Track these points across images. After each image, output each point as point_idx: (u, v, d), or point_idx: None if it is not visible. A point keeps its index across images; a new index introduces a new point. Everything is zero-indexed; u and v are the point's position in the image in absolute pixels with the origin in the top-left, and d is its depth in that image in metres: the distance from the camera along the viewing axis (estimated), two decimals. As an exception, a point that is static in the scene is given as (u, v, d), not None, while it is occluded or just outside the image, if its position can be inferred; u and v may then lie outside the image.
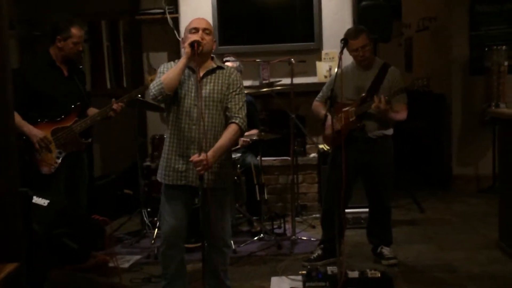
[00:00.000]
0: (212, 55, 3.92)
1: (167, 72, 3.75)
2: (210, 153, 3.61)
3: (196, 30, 3.78)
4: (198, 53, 3.67)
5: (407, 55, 10.16)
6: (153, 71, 5.67)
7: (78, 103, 4.83)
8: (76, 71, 4.99)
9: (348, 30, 4.99)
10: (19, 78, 4.62)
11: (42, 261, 3.17)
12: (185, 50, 3.70)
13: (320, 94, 5.20)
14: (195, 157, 3.59)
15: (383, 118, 4.84)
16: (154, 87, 3.71)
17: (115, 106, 4.81)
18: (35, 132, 4.62)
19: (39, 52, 5.20)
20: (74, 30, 4.75)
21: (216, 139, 3.76)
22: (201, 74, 3.77)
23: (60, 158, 4.71)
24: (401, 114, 4.88)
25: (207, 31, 3.80)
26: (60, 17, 4.86)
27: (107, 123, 5.14)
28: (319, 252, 5.11)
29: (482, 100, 7.66)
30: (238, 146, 5.95)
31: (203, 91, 3.76)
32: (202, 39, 3.72)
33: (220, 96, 3.80)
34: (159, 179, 3.94)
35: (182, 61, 3.71)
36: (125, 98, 4.92)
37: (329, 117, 4.50)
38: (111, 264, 4.30)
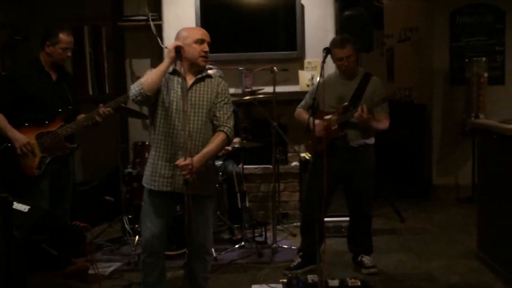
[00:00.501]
0: None
1: (148, 73, 3.76)
2: (196, 158, 3.62)
3: (202, 41, 3.82)
4: (181, 58, 3.69)
5: (389, 65, 10.23)
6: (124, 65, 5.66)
7: (65, 108, 4.82)
8: (66, 77, 4.99)
9: (334, 39, 5.03)
10: (8, 81, 4.76)
11: (21, 267, 3.15)
12: (169, 53, 3.71)
13: (303, 102, 5.23)
14: (181, 161, 3.60)
15: (365, 127, 4.87)
16: (134, 88, 3.71)
17: (101, 110, 4.79)
18: (18, 137, 4.62)
19: (30, 57, 5.20)
20: (63, 36, 4.76)
21: (203, 146, 3.77)
22: (191, 81, 3.80)
23: (45, 162, 4.70)
24: (383, 123, 4.91)
25: (209, 44, 3.88)
26: (51, 23, 4.88)
27: (89, 129, 5.12)
28: (299, 260, 5.12)
29: (462, 110, 7.74)
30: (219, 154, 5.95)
31: (192, 98, 3.78)
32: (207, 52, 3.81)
33: (208, 104, 3.82)
34: (145, 185, 3.93)
35: (164, 64, 3.72)
36: (112, 103, 4.90)
37: (311, 120, 4.49)
38: (91, 271, 4.28)
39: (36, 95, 4.73)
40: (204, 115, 3.81)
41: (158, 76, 3.70)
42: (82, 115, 4.95)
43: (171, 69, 3.81)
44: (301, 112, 5.18)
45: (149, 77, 3.71)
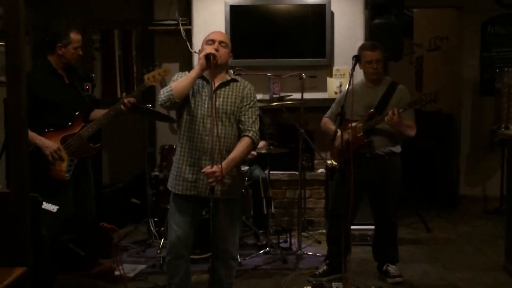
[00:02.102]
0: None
1: (178, 80, 3.77)
2: (223, 165, 3.62)
3: (212, 41, 3.81)
4: (212, 65, 3.69)
5: (418, 74, 10.18)
6: (151, 69, 5.66)
7: (82, 109, 4.85)
8: (75, 77, 5.01)
9: (364, 43, 5.09)
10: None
11: (49, 266, 3.18)
12: (199, 61, 3.73)
13: (329, 110, 5.22)
14: (207, 169, 3.61)
15: (391, 134, 4.85)
16: (163, 93, 3.74)
17: (126, 100, 4.77)
18: (48, 144, 4.62)
19: (38, 61, 5.20)
20: (73, 35, 4.78)
21: (228, 150, 3.78)
22: (216, 85, 3.79)
23: (73, 165, 4.73)
24: (411, 129, 4.88)
25: (223, 44, 3.82)
26: (58, 25, 4.89)
27: (114, 132, 5.15)
28: (325, 267, 5.11)
29: (491, 121, 7.67)
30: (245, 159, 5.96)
31: (217, 102, 3.77)
32: (217, 50, 3.74)
33: (233, 108, 3.82)
34: (169, 188, 3.95)
35: (194, 71, 3.73)
36: (135, 92, 4.91)
37: (339, 132, 4.50)
38: (116, 272, 4.30)
39: (54, 99, 4.72)
40: (229, 119, 3.81)
41: (188, 84, 3.72)
42: (97, 111, 4.97)
43: None
44: (327, 122, 5.18)
45: (179, 83, 3.73)
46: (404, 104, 4.80)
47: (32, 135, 4.53)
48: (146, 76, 4.98)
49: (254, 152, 5.88)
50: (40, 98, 4.66)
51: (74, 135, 4.74)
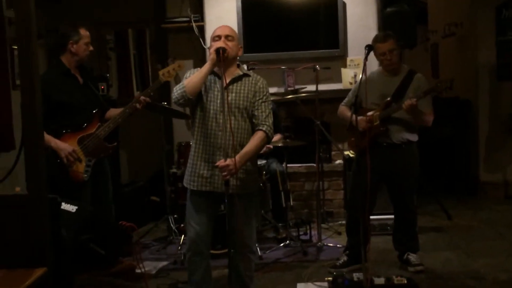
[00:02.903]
0: (238, 63, 3.95)
1: (191, 76, 3.78)
2: (236, 158, 3.63)
3: (218, 37, 3.82)
4: (223, 59, 3.70)
5: (434, 61, 10.09)
6: (166, 65, 5.69)
7: (97, 108, 4.88)
8: (89, 77, 5.06)
9: (376, 35, 5.05)
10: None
11: (70, 266, 3.23)
12: (210, 56, 3.74)
13: (346, 99, 5.21)
14: (221, 162, 3.62)
15: (408, 123, 4.83)
16: (177, 90, 3.76)
17: (141, 99, 4.80)
18: (63, 147, 4.64)
19: (51, 63, 5.25)
20: (82, 31, 4.84)
21: (241, 145, 3.78)
22: (227, 80, 3.80)
23: (91, 166, 4.75)
24: (429, 117, 4.86)
25: (230, 38, 3.83)
26: (66, 27, 4.95)
27: (132, 131, 5.18)
28: (345, 258, 5.11)
29: (509, 106, 7.60)
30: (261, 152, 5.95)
31: (229, 97, 3.78)
32: (226, 45, 3.75)
33: (246, 103, 3.82)
34: (185, 185, 3.97)
35: (206, 66, 3.75)
36: (149, 89, 4.94)
37: (354, 117, 4.47)
38: (137, 270, 4.34)
39: (68, 101, 4.74)
40: (242, 114, 3.81)
41: (200, 79, 3.73)
42: (113, 110, 5.00)
43: None
44: (343, 110, 5.17)
45: (192, 80, 3.74)
46: (419, 91, 4.77)
47: (47, 137, 4.50)
48: (160, 72, 5.01)
49: (270, 145, 5.88)
50: (55, 100, 4.67)
51: (91, 135, 4.76)
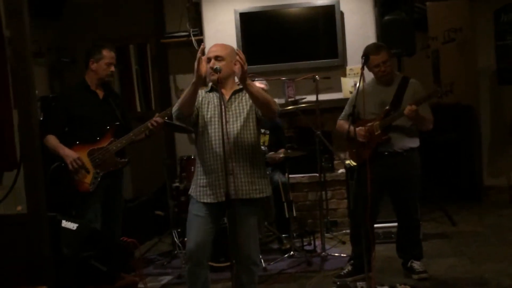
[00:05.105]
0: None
1: (182, 96, 3.83)
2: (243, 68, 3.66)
3: (209, 60, 3.85)
4: (219, 82, 3.73)
5: (435, 68, 10.08)
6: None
7: (113, 124, 4.96)
8: (112, 95, 5.17)
9: (368, 47, 5.00)
10: (58, 104, 5.05)
11: (71, 284, 3.24)
12: (195, 73, 3.74)
13: (343, 112, 5.21)
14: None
15: (414, 125, 4.83)
16: (174, 110, 3.84)
17: (154, 119, 4.88)
18: (68, 153, 4.79)
19: (75, 80, 5.41)
20: (105, 52, 4.97)
21: (247, 155, 3.84)
22: (228, 95, 3.88)
23: (98, 178, 4.85)
24: (430, 122, 4.87)
25: (219, 58, 3.85)
26: (91, 44, 5.07)
27: (137, 146, 5.23)
28: (349, 268, 5.10)
29: (511, 110, 7.59)
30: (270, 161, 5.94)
31: (232, 106, 3.86)
32: (213, 67, 3.77)
33: (247, 109, 3.88)
34: (190, 193, 4.00)
35: (192, 85, 3.75)
36: (168, 110, 4.99)
37: (351, 128, 4.48)
38: (140, 285, 4.35)
39: (85, 115, 4.90)
40: (246, 119, 3.87)
41: (187, 99, 3.76)
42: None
43: (209, 87, 3.93)
44: (342, 124, 5.17)
45: (183, 99, 3.79)
46: (419, 97, 4.78)
47: (57, 146, 4.81)
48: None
49: (278, 156, 5.85)
50: (73, 114, 4.89)
51: (102, 149, 4.89)
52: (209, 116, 3.88)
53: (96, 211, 4.87)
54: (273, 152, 5.93)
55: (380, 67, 4.87)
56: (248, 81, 3.71)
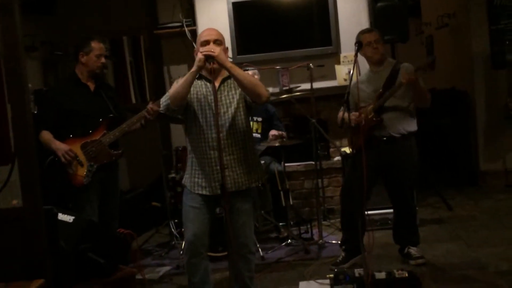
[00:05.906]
0: None
1: (175, 86, 3.78)
2: (220, 50, 3.70)
3: (207, 42, 3.82)
4: (213, 70, 3.70)
5: (429, 53, 10.09)
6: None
7: (105, 117, 4.95)
8: (104, 87, 5.15)
9: (360, 31, 5.09)
10: (49, 99, 5.02)
11: (69, 276, 3.25)
12: (197, 62, 3.71)
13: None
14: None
15: (417, 94, 4.80)
16: (162, 102, 3.80)
17: (149, 107, 4.86)
18: (60, 146, 4.78)
19: (67, 73, 5.40)
20: (94, 44, 4.94)
21: (240, 146, 3.84)
22: (218, 83, 3.84)
23: (92, 171, 4.85)
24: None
25: (218, 42, 3.84)
26: (80, 38, 5.05)
27: (132, 137, 5.23)
28: (343, 254, 5.12)
29: (506, 94, 7.60)
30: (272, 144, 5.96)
31: (222, 97, 3.83)
32: (213, 51, 3.70)
33: (236, 95, 3.87)
34: (184, 183, 4.01)
35: (191, 74, 3.72)
36: (158, 101, 4.99)
37: (346, 115, 4.47)
38: (138, 277, 4.36)
39: (77, 108, 4.88)
40: (236, 107, 3.85)
41: (185, 88, 3.73)
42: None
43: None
44: (340, 114, 5.16)
45: (176, 90, 3.74)
46: (417, 64, 4.76)
47: (49, 140, 4.80)
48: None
49: (275, 143, 5.85)
50: (64, 108, 4.86)
51: (95, 142, 4.88)
52: (199, 106, 3.85)
53: (93, 204, 4.88)
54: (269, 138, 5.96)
55: (372, 44, 4.91)
56: (230, 64, 3.69)
